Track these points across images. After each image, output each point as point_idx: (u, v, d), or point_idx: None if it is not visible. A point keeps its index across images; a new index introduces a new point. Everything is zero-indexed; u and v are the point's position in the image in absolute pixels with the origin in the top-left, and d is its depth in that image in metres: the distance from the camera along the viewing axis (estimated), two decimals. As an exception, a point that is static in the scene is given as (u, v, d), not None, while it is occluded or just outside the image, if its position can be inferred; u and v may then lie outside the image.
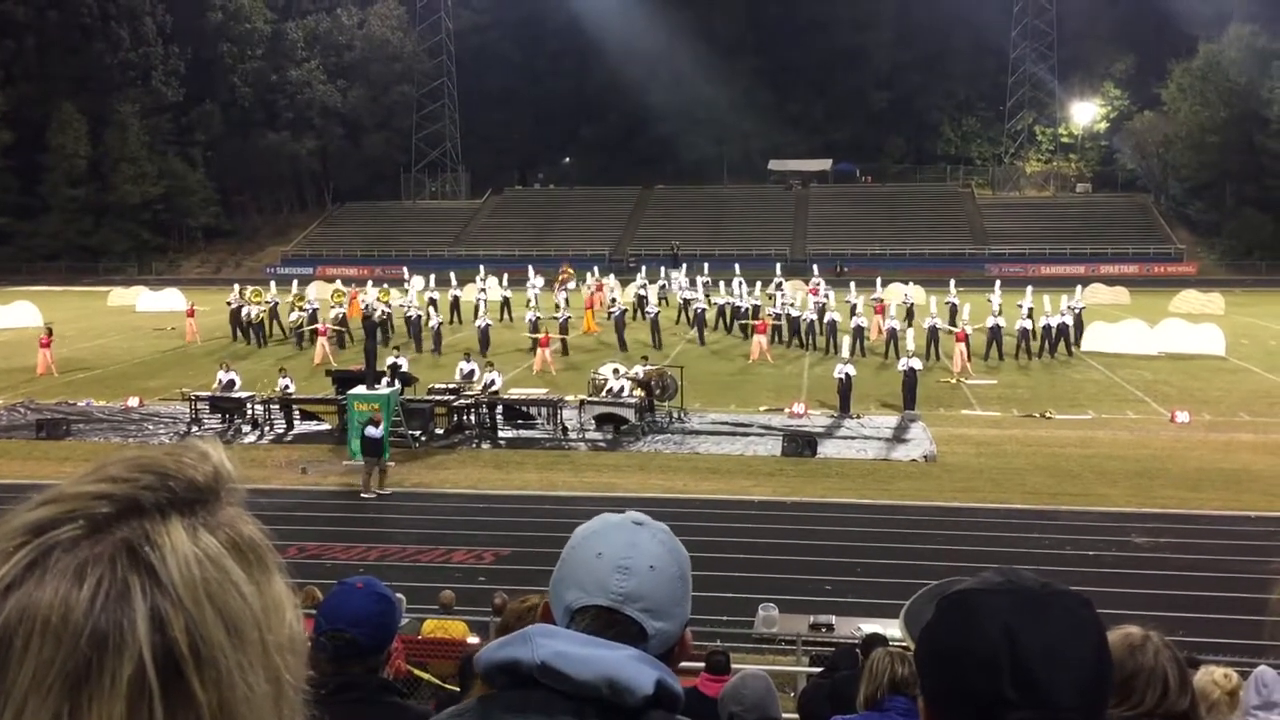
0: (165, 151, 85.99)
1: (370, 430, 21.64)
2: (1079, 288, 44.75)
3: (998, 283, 42.94)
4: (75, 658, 0.76)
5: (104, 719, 0.76)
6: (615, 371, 27.95)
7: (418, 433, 25.41)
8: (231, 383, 28.06)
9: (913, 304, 39.93)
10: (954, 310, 37.74)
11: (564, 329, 38.35)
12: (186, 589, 0.81)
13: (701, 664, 7.96)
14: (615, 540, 1.55)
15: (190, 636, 0.79)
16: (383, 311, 41.46)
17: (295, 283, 50.37)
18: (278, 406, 27.54)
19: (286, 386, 27.57)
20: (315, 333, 38.20)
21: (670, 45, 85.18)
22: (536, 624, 1.49)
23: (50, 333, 35.91)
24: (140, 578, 0.80)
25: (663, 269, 53.99)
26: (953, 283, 41.99)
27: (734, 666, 7.84)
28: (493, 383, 27.27)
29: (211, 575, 0.83)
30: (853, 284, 43.01)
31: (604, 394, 26.99)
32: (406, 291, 44.67)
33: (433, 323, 39.45)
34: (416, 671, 4.43)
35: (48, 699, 0.76)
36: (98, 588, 0.78)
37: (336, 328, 39.77)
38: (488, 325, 38.49)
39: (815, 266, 52.92)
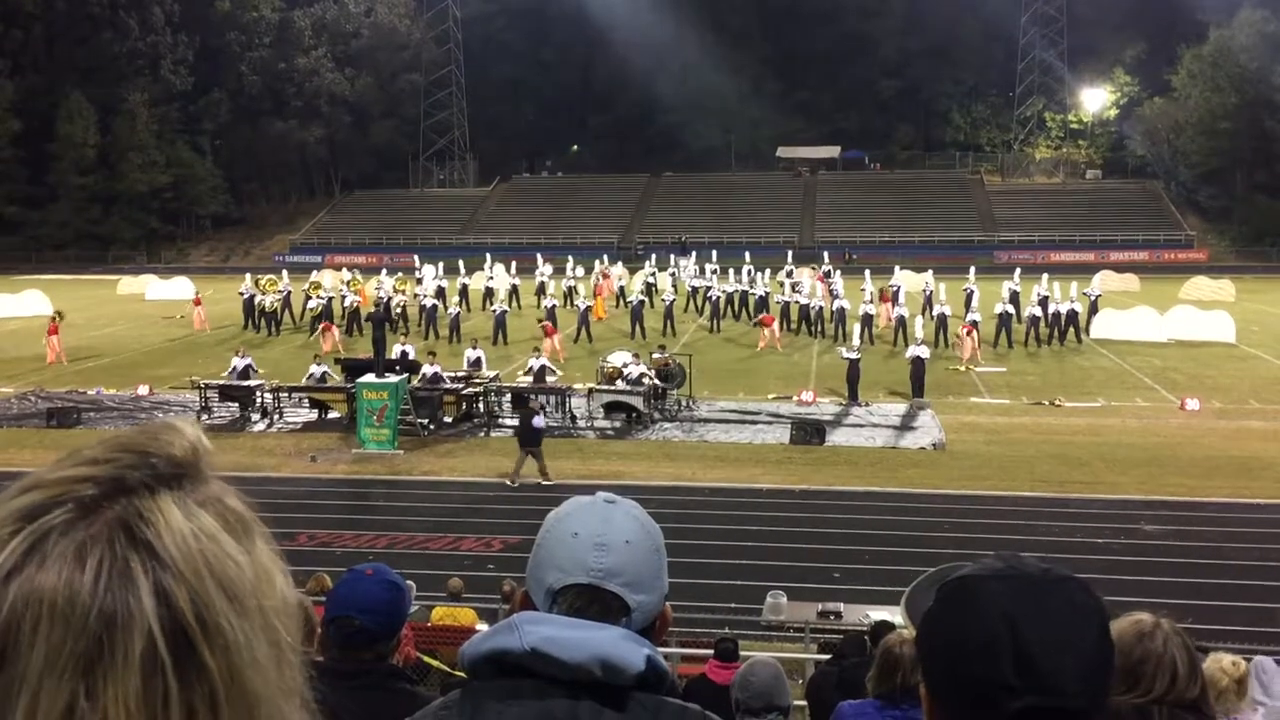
0: (174, 140, 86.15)
1: (536, 421, 21.68)
2: (1097, 276, 44.63)
3: (1017, 270, 42.81)
4: (85, 638, 0.77)
5: (120, 696, 0.77)
6: (635, 356, 27.96)
7: (426, 421, 25.45)
8: (248, 369, 28.06)
9: (931, 292, 39.82)
10: (969, 297, 37.75)
11: (584, 318, 38.39)
12: (186, 562, 0.82)
13: (710, 651, 7.98)
14: (589, 519, 1.57)
15: (195, 607, 0.80)
16: (399, 301, 41.58)
17: (315, 272, 50.48)
18: (287, 394, 27.58)
19: (325, 373, 27.54)
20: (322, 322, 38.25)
21: (678, 33, 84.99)
22: (520, 612, 1.50)
23: (54, 320, 35.79)
24: (139, 554, 0.81)
25: (672, 257, 53.92)
26: (972, 270, 41.88)
27: (742, 654, 7.86)
28: (544, 369, 27.43)
29: (207, 547, 0.84)
30: (867, 272, 42.91)
31: (623, 380, 26.93)
32: (421, 280, 44.72)
33: (450, 311, 39.45)
34: (426, 658, 4.45)
35: (63, 681, 0.77)
36: (100, 568, 0.79)
37: (344, 319, 39.87)
38: (504, 312, 38.51)
39: (826, 254, 52.87)
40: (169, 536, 0.82)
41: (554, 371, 28.20)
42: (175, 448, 0.89)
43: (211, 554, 0.84)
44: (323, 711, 0.96)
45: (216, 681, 0.80)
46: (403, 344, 29.43)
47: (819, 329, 39.12)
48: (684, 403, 27.87)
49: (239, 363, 28.22)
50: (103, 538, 0.81)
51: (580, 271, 48.05)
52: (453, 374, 27.33)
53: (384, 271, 48.23)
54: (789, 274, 45.30)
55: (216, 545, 0.84)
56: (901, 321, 36.35)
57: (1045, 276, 40.03)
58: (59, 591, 0.78)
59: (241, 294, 42.85)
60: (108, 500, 0.83)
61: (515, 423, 22.47)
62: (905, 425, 26.08)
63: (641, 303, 40.56)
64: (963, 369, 32.65)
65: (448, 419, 26.28)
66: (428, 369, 26.81)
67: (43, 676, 0.77)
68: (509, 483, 21.29)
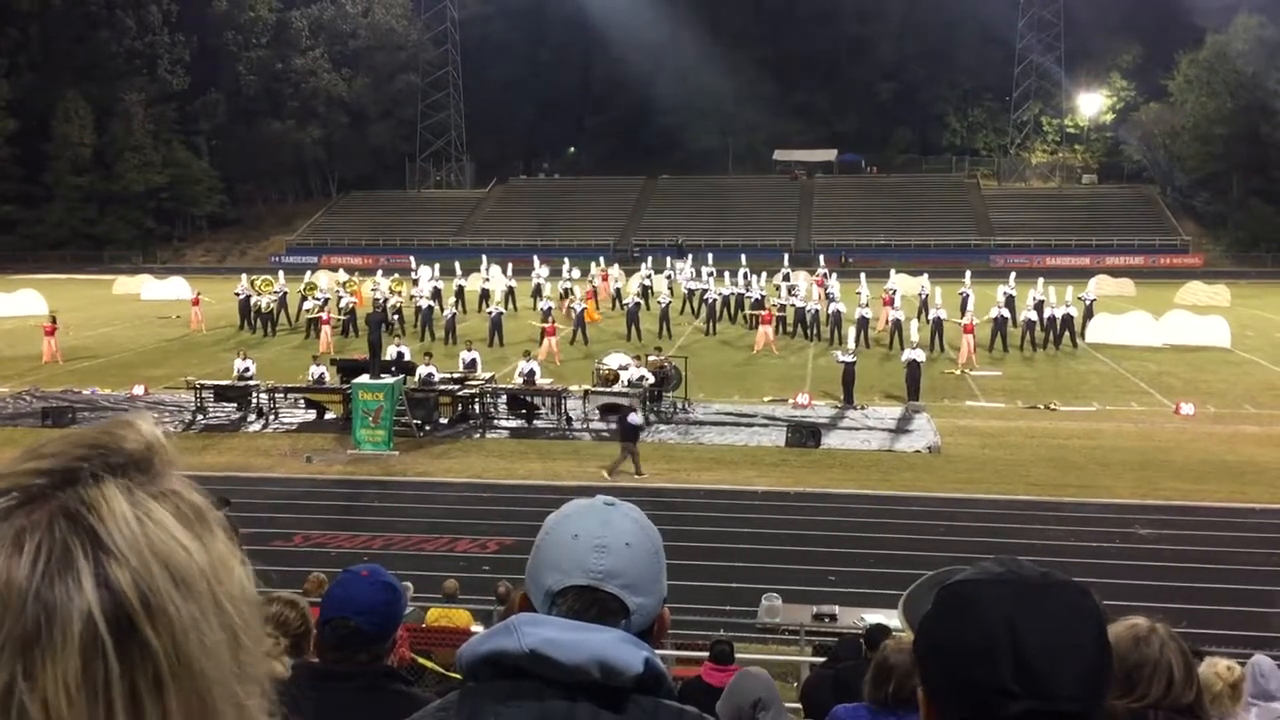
0: (170, 140, 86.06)
1: (632, 417, 21.97)
2: (1093, 280, 44.70)
3: (1013, 274, 42.89)
4: (23, 621, 0.78)
5: (58, 676, 0.78)
6: (637, 359, 27.99)
7: (421, 422, 25.43)
8: (247, 371, 28.01)
9: (927, 296, 39.84)
10: (965, 300, 37.86)
11: (580, 320, 38.43)
12: (130, 547, 0.83)
13: (705, 653, 7.98)
14: (589, 521, 1.57)
15: (138, 589, 0.81)
16: (395, 302, 41.57)
17: (309, 272, 50.43)
18: (283, 395, 27.56)
19: (322, 375, 27.47)
20: (320, 321, 38.17)
21: (675, 35, 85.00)
22: (518, 614, 1.50)
23: (54, 321, 35.98)
24: (80, 539, 0.82)
25: (668, 259, 53.89)
26: (968, 274, 41.98)
27: (738, 656, 7.86)
28: (533, 372, 27.50)
29: (153, 532, 0.84)
30: (863, 275, 42.96)
31: (622, 383, 26.91)
32: (417, 282, 44.68)
33: (446, 313, 39.44)
34: (420, 660, 4.44)
35: (1, 661, 0.78)
36: (38, 552, 0.80)
37: (342, 317, 39.82)
38: (500, 314, 38.51)
39: (821, 257, 52.88)
40: (112, 522, 0.83)
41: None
42: (129, 442, 0.91)
43: (158, 539, 0.84)
44: (289, 708, 0.97)
45: (161, 663, 0.81)
46: (398, 345, 29.42)
47: (815, 332, 39.15)
48: (680, 405, 27.87)
49: (240, 365, 28.17)
50: (42, 524, 0.82)
51: (576, 273, 48.04)
52: (448, 375, 27.34)
53: (380, 273, 48.20)
54: (785, 277, 45.31)
55: (164, 531, 0.85)
56: (897, 325, 36.37)
57: (1041, 281, 40.09)
58: None
59: (237, 294, 42.84)
60: (55, 490, 0.84)
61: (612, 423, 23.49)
62: (900, 428, 26.10)
63: (638, 305, 40.56)
64: (958, 373, 32.68)
65: (443, 420, 26.28)
66: (423, 370, 26.80)
67: None
68: (605, 475, 21.58)
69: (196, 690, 0.83)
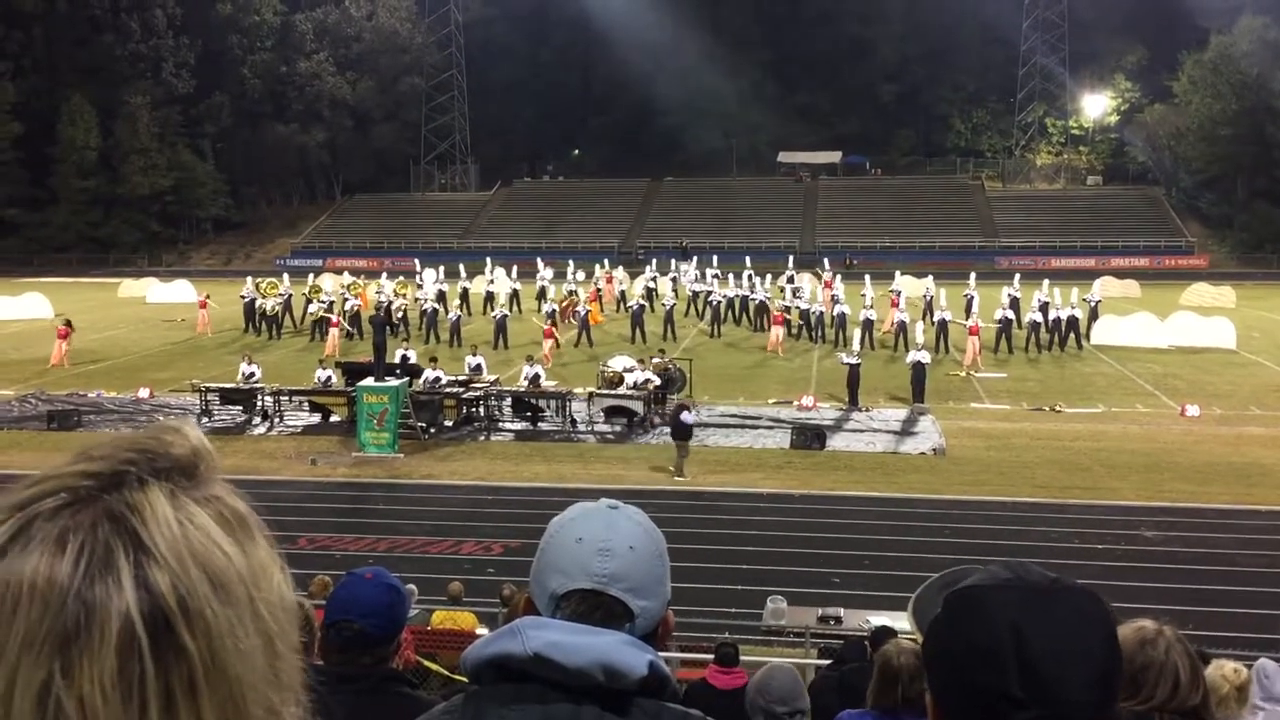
0: (175, 143, 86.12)
1: (685, 416, 22.14)
2: (1097, 282, 44.64)
3: (1017, 276, 42.83)
4: (63, 618, 0.80)
5: (95, 675, 0.79)
6: (641, 362, 27.99)
7: (426, 424, 25.44)
8: (253, 375, 28.03)
9: (932, 298, 39.82)
10: (970, 302, 37.74)
11: (584, 323, 38.46)
12: (169, 549, 0.84)
13: (710, 656, 7.97)
14: (593, 525, 1.58)
15: (176, 591, 0.82)
16: (400, 305, 41.60)
17: (311, 275, 50.52)
18: (288, 398, 27.59)
19: (329, 379, 27.48)
20: (328, 323, 38.21)
21: (678, 37, 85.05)
22: (523, 617, 1.51)
23: (69, 324, 35.77)
24: (122, 540, 0.83)
25: (673, 261, 53.84)
26: (973, 276, 41.92)
27: (743, 659, 7.85)
28: (538, 376, 27.54)
29: (194, 536, 0.86)
30: (867, 277, 42.96)
31: (626, 386, 26.90)
32: (421, 285, 44.71)
33: (451, 316, 39.48)
34: (425, 662, 4.44)
35: (40, 658, 0.79)
36: (80, 552, 0.82)
37: (349, 327, 39.81)
38: (505, 316, 38.52)
39: (826, 260, 52.85)
40: (154, 525, 0.84)
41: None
42: (175, 447, 0.92)
43: (198, 542, 0.86)
44: (321, 715, 0.98)
45: (196, 664, 0.82)
46: (404, 348, 29.43)
47: (819, 334, 39.10)
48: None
49: (246, 369, 28.17)
50: (85, 524, 0.83)
51: (580, 275, 48.03)
52: (454, 379, 27.35)
53: (384, 275, 48.18)
54: (790, 279, 45.27)
55: (205, 536, 0.86)
56: (902, 327, 36.29)
57: (1046, 282, 40.03)
58: (39, 573, 0.81)
59: (243, 297, 42.88)
60: (102, 492, 0.86)
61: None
62: (905, 430, 26.07)
63: (642, 307, 40.53)
64: (963, 374, 32.64)
65: (448, 423, 26.29)
66: (429, 373, 26.81)
67: (20, 653, 0.79)
68: (675, 475, 21.88)
69: (230, 694, 0.84)
